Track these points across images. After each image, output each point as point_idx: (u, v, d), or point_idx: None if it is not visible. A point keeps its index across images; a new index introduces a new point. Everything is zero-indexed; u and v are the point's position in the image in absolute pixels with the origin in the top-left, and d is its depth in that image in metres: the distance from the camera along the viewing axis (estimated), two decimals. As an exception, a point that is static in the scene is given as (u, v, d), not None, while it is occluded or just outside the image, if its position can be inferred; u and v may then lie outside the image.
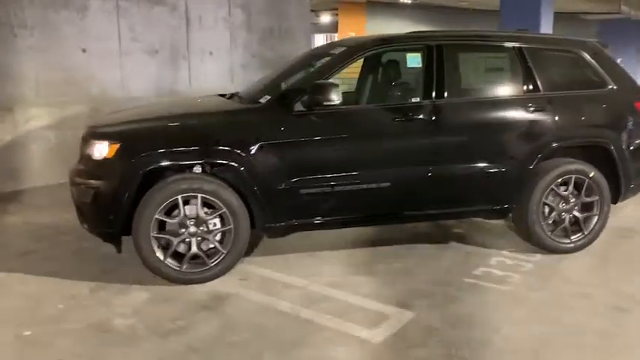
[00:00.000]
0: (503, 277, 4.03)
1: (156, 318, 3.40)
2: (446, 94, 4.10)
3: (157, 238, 3.77)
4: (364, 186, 3.98)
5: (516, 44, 4.35)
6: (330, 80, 3.86)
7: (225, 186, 3.79)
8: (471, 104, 4.22)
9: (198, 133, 3.83)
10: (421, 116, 4.04)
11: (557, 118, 4.26)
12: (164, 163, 3.72)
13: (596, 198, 4.41)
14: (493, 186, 4.22)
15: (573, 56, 4.47)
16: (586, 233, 4.44)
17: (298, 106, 3.89)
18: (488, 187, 4.23)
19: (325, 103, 3.77)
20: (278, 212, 3.92)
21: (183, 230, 3.79)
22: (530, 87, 4.30)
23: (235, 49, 8.82)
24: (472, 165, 4.16)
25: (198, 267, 3.85)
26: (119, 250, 3.93)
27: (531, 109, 4.22)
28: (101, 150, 3.76)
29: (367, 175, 3.99)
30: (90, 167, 3.83)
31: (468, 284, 3.89)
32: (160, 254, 3.78)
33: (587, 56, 4.46)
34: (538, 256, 4.41)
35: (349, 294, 3.71)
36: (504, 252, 4.50)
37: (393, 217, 4.21)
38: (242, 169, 3.77)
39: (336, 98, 3.74)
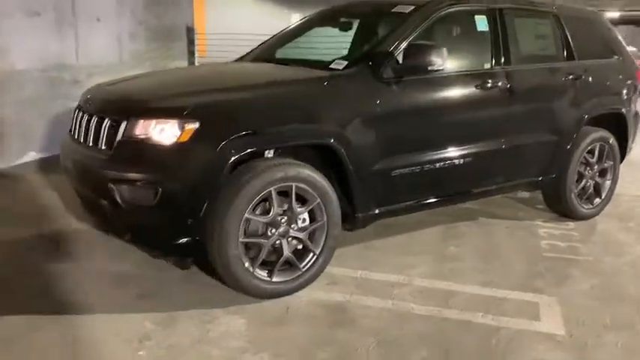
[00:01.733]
0: (571, 247, 3.96)
1: (287, 347, 2.59)
2: (513, 61, 3.86)
3: (244, 244, 2.89)
4: (453, 162, 3.56)
5: (554, 12, 4.28)
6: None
7: (319, 172, 3.05)
8: (533, 72, 4.03)
9: (300, 108, 3.01)
10: (499, 84, 3.73)
11: (591, 86, 4.31)
12: (262, 147, 2.85)
13: (612, 163, 4.59)
14: (547, 156, 4.12)
15: (596, 26, 4.56)
16: (603, 198, 4.61)
17: (387, 73, 3.28)
18: (542, 158, 4.11)
19: (430, 68, 3.23)
20: (370, 199, 3.29)
21: (274, 230, 2.96)
22: (570, 55, 4.27)
23: (123, 15, 7.44)
24: (535, 134, 4.00)
25: (288, 274, 3.06)
26: (187, 267, 2.94)
27: (573, 77, 4.20)
28: (168, 132, 2.73)
29: (455, 151, 3.57)
30: (147, 156, 2.76)
31: (553, 259, 3.74)
32: (248, 264, 2.91)
33: (604, 27, 4.59)
34: (571, 224, 4.45)
35: (468, 285, 3.29)
36: (538, 222, 4.46)
37: (467, 194, 3.84)
38: (342, 150, 3.06)
39: (440, 61, 3.23)
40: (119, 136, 2.82)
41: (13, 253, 3.55)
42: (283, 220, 2.97)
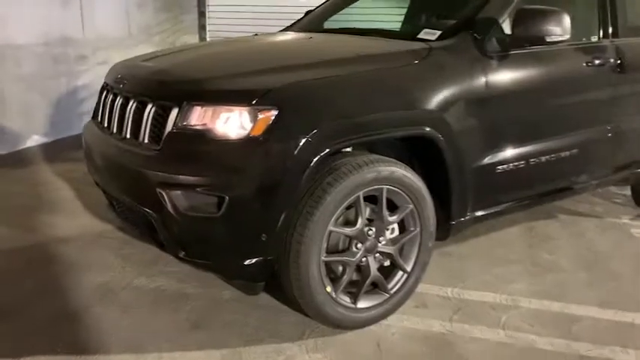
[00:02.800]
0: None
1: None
2: (621, 33, 3.23)
3: (326, 263, 2.28)
4: (559, 154, 2.95)
5: None
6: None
7: (413, 172, 2.42)
8: (636, 46, 3.38)
9: (395, 89, 2.36)
10: (611, 60, 3.10)
11: None
12: (354, 140, 2.22)
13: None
14: None
15: None
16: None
17: (492, 45, 2.64)
18: None
19: (549, 39, 2.59)
20: (469, 201, 2.68)
21: (359, 245, 2.34)
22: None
23: (130, -16, 6.70)
24: (638, 120, 3.38)
25: (375, 299, 2.46)
26: (256, 292, 2.34)
27: None
28: (237, 123, 2.08)
29: (562, 140, 2.97)
30: (208, 154, 2.12)
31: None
32: (330, 288, 2.30)
33: None
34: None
35: (584, 306, 2.71)
36: (626, 221, 3.86)
37: (569, 191, 3.22)
38: (442, 140, 2.43)
39: (560, 30, 2.58)
40: (169, 127, 2.18)
41: (30, 264, 2.93)
42: (370, 232, 2.36)
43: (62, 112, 5.74)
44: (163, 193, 2.13)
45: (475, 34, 2.61)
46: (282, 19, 9.75)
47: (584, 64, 3.00)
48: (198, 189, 2.09)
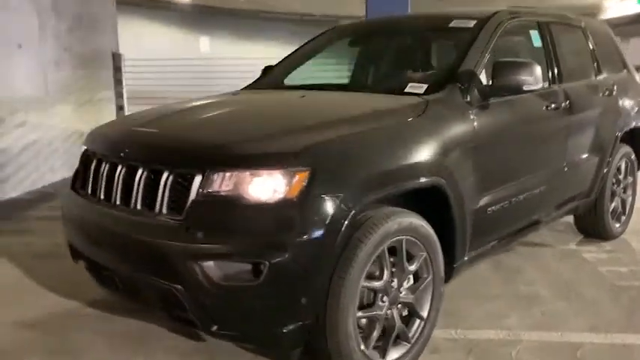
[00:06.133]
0: (633, 272, 3.71)
1: None
2: (564, 78, 3.57)
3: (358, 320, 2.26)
4: (533, 191, 3.18)
5: (582, 25, 4.06)
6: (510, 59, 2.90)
7: (425, 220, 2.50)
8: (580, 89, 3.72)
9: (407, 143, 2.42)
10: (562, 103, 3.41)
11: (619, 102, 4.14)
12: (383, 194, 2.25)
13: (632, 179, 4.47)
14: (590, 176, 3.85)
15: (609, 38, 4.40)
16: (626, 214, 4.46)
17: (474, 95, 2.82)
18: (588, 178, 3.84)
19: (525, 88, 2.81)
20: (467, 243, 2.79)
21: (385, 298, 2.36)
22: (599, 69, 4.06)
23: (45, 41, 6.38)
24: (584, 154, 3.73)
25: (399, 350, 2.46)
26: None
27: (608, 93, 4.01)
28: (270, 185, 2.04)
29: (535, 177, 3.21)
30: (242, 220, 2.04)
31: (629, 288, 3.44)
32: (363, 345, 2.28)
33: (614, 39, 4.48)
34: (607, 245, 4.23)
35: (576, 332, 2.88)
36: (573, 247, 4.19)
37: (538, 224, 3.42)
38: (448, 187, 2.54)
39: (532, 79, 2.81)
40: (192, 195, 2.08)
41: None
42: (393, 284, 2.38)
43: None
44: (194, 265, 2.02)
45: (460, 86, 2.77)
46: (193, 71, 9.71)
47: (544, 108, 3.27)
48: (234, 257, 2.01)
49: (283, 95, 3.24)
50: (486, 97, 2.84)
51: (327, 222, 2.06)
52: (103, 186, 2.41)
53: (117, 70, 7.92)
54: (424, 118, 2.56)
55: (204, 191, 2.08)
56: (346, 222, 2.10)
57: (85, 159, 2.62)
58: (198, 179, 2.09)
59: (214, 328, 2.11)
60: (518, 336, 2.84)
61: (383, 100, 2.81)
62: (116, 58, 7.88)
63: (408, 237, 2.38)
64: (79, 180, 2.67)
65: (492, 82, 2.82)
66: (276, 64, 3.81)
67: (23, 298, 3.32)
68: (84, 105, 7.15)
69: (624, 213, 4.43)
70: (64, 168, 6.64)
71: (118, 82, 7.97)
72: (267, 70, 3.87)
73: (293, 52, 3.88)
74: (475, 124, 2.74)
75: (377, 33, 3.85)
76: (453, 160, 2.59)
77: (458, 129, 2.66)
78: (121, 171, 2.33)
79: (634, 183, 4.50)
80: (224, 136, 2.31)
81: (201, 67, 10.15)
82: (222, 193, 2.06)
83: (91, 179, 2.51)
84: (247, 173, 2.05)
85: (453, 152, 2.59)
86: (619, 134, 4.08)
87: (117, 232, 2.29)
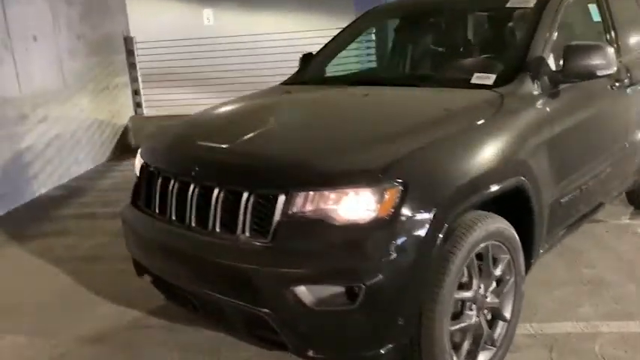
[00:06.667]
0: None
1: None
2: (622, 52, 3.41)
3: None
4: (599, 175, 3.09)
5: None
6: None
7: (508, 223, 2.39)
8: (635, 62, 3.56)
9: (489, 144, 2.30)
10: (625, 80, 3.26)
11: None
12: (475, 203, 2.14)
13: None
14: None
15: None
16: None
17: (545, 82, 2.68)
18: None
19: (599, 73, 2.66)
20: (543, 238, 2.69)
21: (473, 306, 2.28)
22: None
23: (59, 31, 6.18)
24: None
25: (486, 355, 2.40)
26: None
27: None
28: (360, 204, 1.93)
29: (602, 161, 3.12)
30: (334, 242, 1.95)
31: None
32: (455, 356, 2.21)
33: None
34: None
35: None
36: (627, 221, 4.10)
37: (600, 207, 3.32)
38: (529, 185, 2.43)
39: (606, 63, 2.66)
40: (276, 217, 1.98)
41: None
42: (481, 291, 2.30)
43: (9, 181, 5.15)
44: (284, 291, 1.94)
45: (530, 74, 2.63)
46: (207, 50, 9.43)
47: (610, 87, 3.13)
48: (326, 281, 1.92)
49: (344, 94, 3.06)
50: (557, 84, 2.71)
51: (421, 239, 1.96)
52: (173, 205, 2.30)
53: (129, 53, 7.72)
54: (501, 114, 2.44)
55: (290, 212, 1.98)
56: (440, 235, 2.01)
57: (147, 175, 2.51)
58: (281, 200, 1.99)
59: (310, 352, 2.03)
60: (597, 327, 2.78)
61: (453, 96, 2.66)
62: (128, 41, 7.66)
63: (494, 241, 2.29)
64: (140, 196, 2.56)
65: (564, 68, 2.68)
66: (317, 53, 3.65)
67: (80, 308, 3.26)
68: (101, 93, 6.99)
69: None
70: (87, 159, 6.54)
71: (132, 65, 7.77)
72: (306, 58, 3.70)
73: (332, 39, 3.71)
74: (548, 114, 2.61)
75: (423, 15, 3.67)
76: (532, 156, 2.48)
77: (533, 122, 2.54)
78: (193, 191, 2.22)
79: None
80: (304, 152, 2.19)
81: (212, 45, 9.82)
82: (309, 214, 1.96)
83: (157, 197, 2.40)
84: (335, 192, 1.94)
85: (531, 148, 2.48)
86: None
87: (194, 254, 2.19)
